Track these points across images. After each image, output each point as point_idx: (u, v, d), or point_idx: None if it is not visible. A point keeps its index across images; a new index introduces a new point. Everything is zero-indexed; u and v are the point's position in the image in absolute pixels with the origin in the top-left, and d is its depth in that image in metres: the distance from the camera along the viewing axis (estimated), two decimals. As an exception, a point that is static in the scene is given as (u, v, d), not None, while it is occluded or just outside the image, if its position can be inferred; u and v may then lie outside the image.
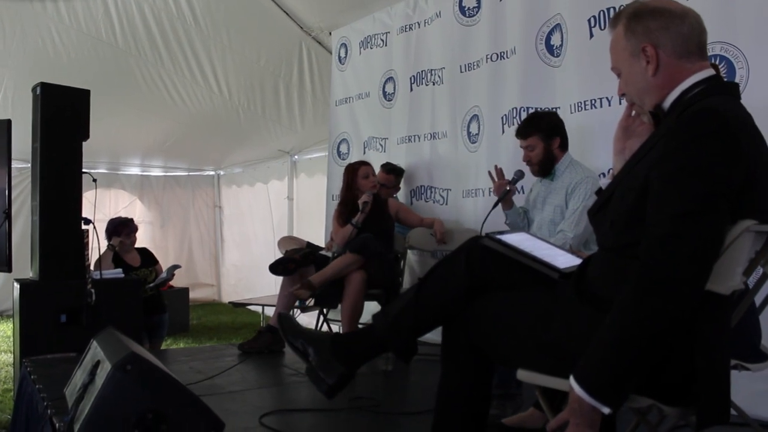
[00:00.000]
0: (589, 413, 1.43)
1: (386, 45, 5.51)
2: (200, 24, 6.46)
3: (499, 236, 1.88)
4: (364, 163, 4.58)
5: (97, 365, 2.19)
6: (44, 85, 4.19)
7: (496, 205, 3.54)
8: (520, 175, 3.58)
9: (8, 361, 5.74)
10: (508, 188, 3.51)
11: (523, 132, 3.39)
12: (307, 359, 2.02)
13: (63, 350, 3.86)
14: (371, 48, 5.67)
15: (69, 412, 2.13)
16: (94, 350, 2.38)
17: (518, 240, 1.90)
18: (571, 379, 1.46)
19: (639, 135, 1.77)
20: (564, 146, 3.36)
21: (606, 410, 1.42)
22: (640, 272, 1.41)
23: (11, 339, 6.51)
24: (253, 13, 6.42)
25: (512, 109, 4.17)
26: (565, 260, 1.86)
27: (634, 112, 1.81)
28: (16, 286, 4.11)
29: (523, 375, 1.69)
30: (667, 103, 1.63)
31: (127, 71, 6.86)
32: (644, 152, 1.59)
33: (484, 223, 3.40)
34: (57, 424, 2.42)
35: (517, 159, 3.58)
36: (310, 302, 4.38)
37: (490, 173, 3.64)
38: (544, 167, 3.36)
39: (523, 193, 3.87)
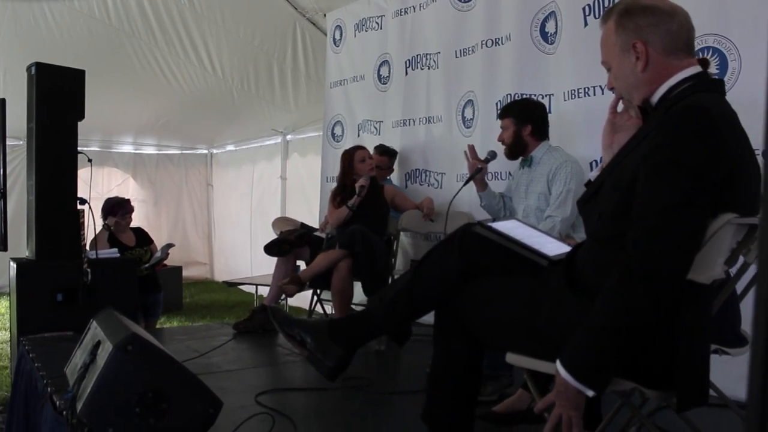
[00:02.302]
0: (574, 396, 1.50)
1: (381, 28, 5.52)
2: (194, 3, 6.44)
3: (490, 224, 1.94)
4: (360, 147, 4.63)
5: (98, 345, 2.22)
6: (39, 65, 4.19)
7: (467, 182, 3.68)
8: (492, 155, 3.72)
9: (4, 339, 5.78)
10: (480, 167, 3.63)
11: (501, 113, 3.60)
12: (304, 347, 2.09)
13: (60, 329, 3.91)
14: (366, 31, 5.68)
15: (71, 390, 2.17)
16: (94, 330, 2.42)
17: (509, 227, 1.95)
18: (558, 364, 1.52)
19: (626, 129, 1.82)
20: (539, 135, 3.49)
21: (590, 393, 1.49)
22: (626, 263, 1.47)
23: (5, 317, 6.56)
24: (247, -8, 6.42)
25: (506, 95, 4.20)
26: (554, 247, 1.92)
27: (621, 108, 1.86)
28: (13, 265, 4.15)
29: (511, 358, 1.75)
30: (656, 98, 1.68)
31: (121, 50, 6.85)
32: (633, 146, 1.64)
33: (451, 201, 3.54)
34: (57, 402, 2.47)
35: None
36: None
37: (465, 153, 3.74)
38: (513, 150, 3.54)
39: (502, 179, 3.99)
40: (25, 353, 3.44)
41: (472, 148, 3.70)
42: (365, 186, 4.35)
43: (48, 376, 2.86)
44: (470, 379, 1.96)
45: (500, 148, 3.63)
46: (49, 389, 2.68)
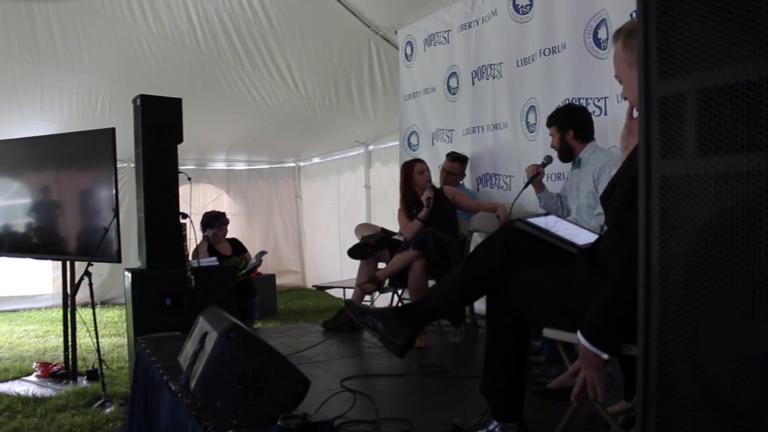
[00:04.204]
0: (593, 359, 1.80)
1: (448, 42, 5.85)
2: (275, 28, 6.93)
3: (529, 219, 2.25)
4: (418, 161, 5.00)
5: (205, 335, 2.64)
6: (143, 97, 4.72)
7: (526, 185, 4.03)
8: (548, 159, 4.04)
9: (119, 344, 6.36)
10: (537, 171, 3.96)
11: (547, 121, 3.90)
12: (377, 331, 2.44)
13: (169, 329, 4.39)
14: (435, 45, 6.02)
15: (184, 374, 2.59)
16: (202, 324, 2.84)
17: (545, 222, 2.25)
18: (578, 334, 1.83)
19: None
20: (582, 137, 3.74)
21: (605, 356, 1.78)
22: (628, 246, 1.75)
23: (117, 324, 7.21)
24: (323, 15, 6.85)
25: (565, 99, 4.44)
26: (584, 238, 2.20)
27: (636, 114, 2.14)
28: (128, 274, 4.68)
29: (548, 332, 2.07)
30: (658, 106, 1.95)
31: (211, 74, 7.42)
32: (640, 148, 1.92)
33: (514, 202, 3.92)
34: (173, 387, 2.91)
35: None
36: (376, 295, 4.80)
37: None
38: (563, 154, 3.82)
39: (560, 180, 4.25)
40: (142, 350, 3.93)
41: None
42: (431, 198, 4.68)
43: (163, 367, 3.31)
44: (518, 354, 2.25)
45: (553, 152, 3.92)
46: (165, 377, 3.13)
